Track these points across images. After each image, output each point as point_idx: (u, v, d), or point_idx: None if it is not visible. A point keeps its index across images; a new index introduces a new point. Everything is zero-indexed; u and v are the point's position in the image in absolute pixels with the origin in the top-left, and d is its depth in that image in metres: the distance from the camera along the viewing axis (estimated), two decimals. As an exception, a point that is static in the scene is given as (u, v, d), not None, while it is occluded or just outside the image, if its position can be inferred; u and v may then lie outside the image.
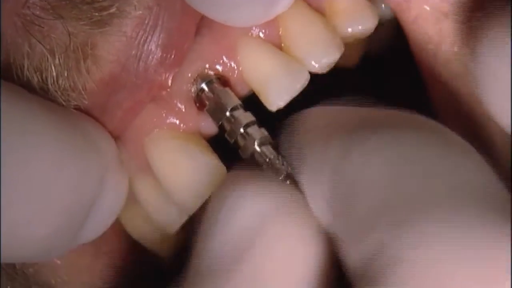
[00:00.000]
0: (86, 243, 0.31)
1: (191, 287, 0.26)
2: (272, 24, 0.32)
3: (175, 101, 0.32)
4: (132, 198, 0.33)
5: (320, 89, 0.32)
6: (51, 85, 0.29)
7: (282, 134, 0.31)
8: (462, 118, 0.32)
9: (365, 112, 0.27)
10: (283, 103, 0.32)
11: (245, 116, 0.32)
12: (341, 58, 0.33)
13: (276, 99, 0.32)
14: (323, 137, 0.27)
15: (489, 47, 0.26)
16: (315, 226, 0.26)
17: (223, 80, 0.33)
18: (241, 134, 0.32)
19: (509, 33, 0.26)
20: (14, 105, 0.27)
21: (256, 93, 0.33)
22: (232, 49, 0.32)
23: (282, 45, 0.33)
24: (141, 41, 0.30)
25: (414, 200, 0.23)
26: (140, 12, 0.29)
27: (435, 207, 0.22)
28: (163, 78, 0.31)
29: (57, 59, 0.29)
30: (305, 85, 0.32)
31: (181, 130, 0.33)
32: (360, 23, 0.33)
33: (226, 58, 0.32)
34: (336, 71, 0.33)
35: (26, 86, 0.29)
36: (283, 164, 0.31)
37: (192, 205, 0.32)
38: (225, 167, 0.32)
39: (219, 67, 0.32)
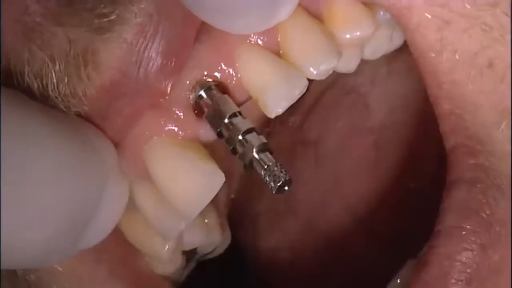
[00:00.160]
0: (86, 250, 0.31)
1: None
2: (270, 31, 0.32)
3: (173, 108, 0.32)
4: (131, 205, 0.33)
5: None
6: (52, 91, 0.29)
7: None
8: (463, 125, 0.32)
9: None
10: (282, 110, 0.32)
11: (244, 123, 0.32)
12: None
13: (274, 105, 0.32)
14: None
15: None
16: None
17: (222, 87, 0.32)
18: (240, 141, 0.32)
19: None
20: (14, 110, 0.27)
21: (255, 100, 0.33)
22: (230, 56, 0.32)
23: (281, 52, 0.33)
24: (142, 48, 0.30)
25: None
26: (141, 19, 0.29)
27: None
28: (163, 85, 0.31)
29: (57, 66, 0.29)
30: (303, 92, 0.32)
31: (179, 137, 0.32)
32: (358, 30, 0.33)
33: (225, 65, 0.32)
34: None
35: (27, 92, 0.29)
36: (281, 171, 0.31)
37: (191, 212, 0.32)
38: (223, 174, 0.32)
39: (217, 74, 0.32)
